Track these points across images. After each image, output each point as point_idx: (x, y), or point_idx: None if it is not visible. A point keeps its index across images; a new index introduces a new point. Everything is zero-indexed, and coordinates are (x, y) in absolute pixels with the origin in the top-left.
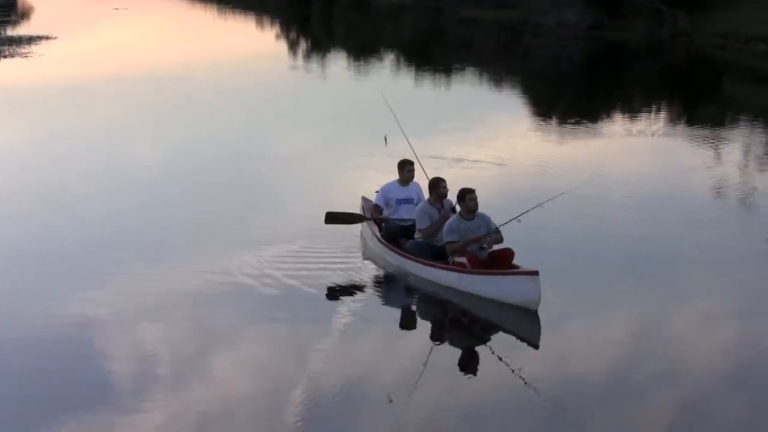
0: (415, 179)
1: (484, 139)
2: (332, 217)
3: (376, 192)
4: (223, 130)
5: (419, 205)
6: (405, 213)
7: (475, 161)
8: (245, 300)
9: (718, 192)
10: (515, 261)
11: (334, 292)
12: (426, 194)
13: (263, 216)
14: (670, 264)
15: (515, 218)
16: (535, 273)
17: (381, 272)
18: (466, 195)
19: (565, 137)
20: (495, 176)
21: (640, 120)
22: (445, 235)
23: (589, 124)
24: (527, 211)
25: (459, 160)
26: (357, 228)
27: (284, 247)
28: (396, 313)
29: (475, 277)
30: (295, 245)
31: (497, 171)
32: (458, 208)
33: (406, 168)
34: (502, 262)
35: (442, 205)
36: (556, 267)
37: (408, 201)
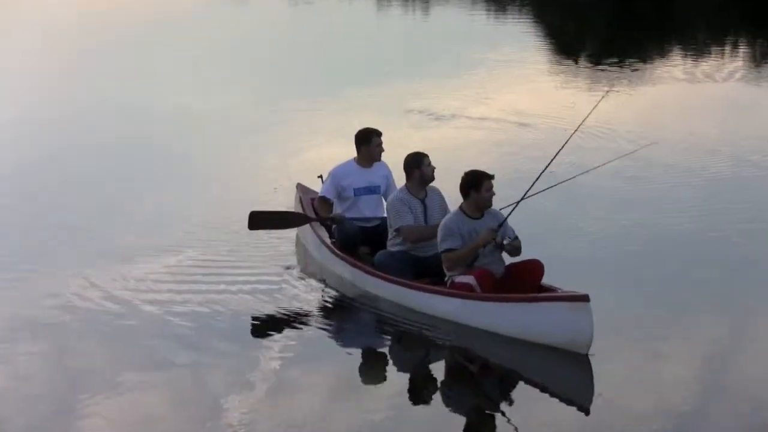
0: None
1: (488, 88)
2: (259, 219)
3: (321, 178)
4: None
5: (393, 196)
6: (369, 208)
7: (476, 120)
8: (126, 333)
9: None
10: (547, 278)
11: (260, 326)
12: (400, 179)
13: (156, 211)
14: (751, 273)
15: (520, 200)
16: (585, 298)
17: (332, 296)
18: (483, 183)
19: (599, 83)
20: (506, 142)
21: (706, 59)
22: (442, 240)
23: (633, 66)
24: (546, 189)
25: (453, 118)
26: (292, 233)
27: (187, 257)
28: (355, 359)
29: (489, 305)
30: (202, 254)
31: (509, 135)
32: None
33: (372, 140)
34: (525, 279)
35: (426, 195)
36: (591, 276)
37: (372, 190)
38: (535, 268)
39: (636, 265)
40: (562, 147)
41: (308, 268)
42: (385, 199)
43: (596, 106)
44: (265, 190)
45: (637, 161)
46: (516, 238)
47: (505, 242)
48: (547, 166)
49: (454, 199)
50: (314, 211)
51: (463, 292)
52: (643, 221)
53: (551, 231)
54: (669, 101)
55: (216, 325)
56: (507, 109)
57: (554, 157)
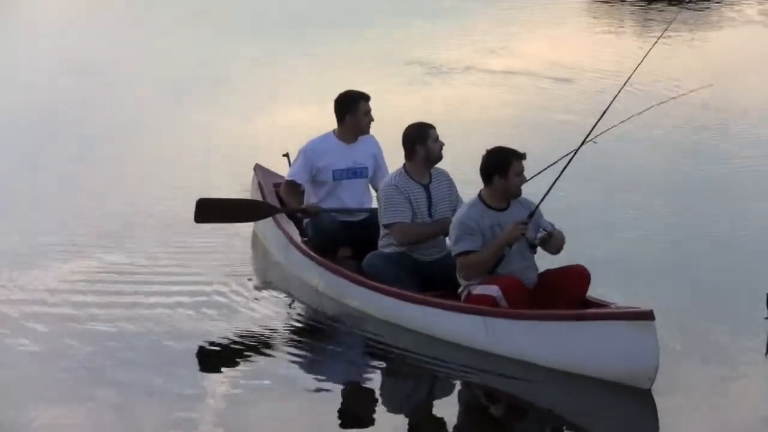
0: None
1: (513, 33)
2: (208, 210)
3: (287, 157)
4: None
5: (386, 181)
6: (352, 197)
7: (498, 75)
8: (34, 360)
9: None
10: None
11: (205, 353)
12: (394, 159)
13: (70, 202)
14: None
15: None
16: (648, 315)
17: (302, 313)
18: (512, 165)
19: (650, 27)
20: (537, 105)
21: None
22: (456, 241)
23: (695, 4)
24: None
25: (467, 72)
26: (248, 228)
27: (109, 262)
28: (333, 399)
29: (520, 324)
30: (128, 257)
31: (540, 95)
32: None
33: (359, 107)
34: (566, 290)
35: (431, 180)
36: (632, 281)
37: (357, 173)
38: (578, 275)
39: (690, 266)
40: (605, 110)
41: (269, 276)
42: (374, 186)
43: (647, 54)
44: (212, 171)
45: (695, 124)
46: (552, 227)
47: (538, 235)
48: (588, 137)
49: (466, 185)
50: (279, 200)
51: (484, 307)
52: (697, 208)
53: (578, 224)
54: (740, 48)
55: (146, 351)
56: (537, 61)
57: (598, 121)
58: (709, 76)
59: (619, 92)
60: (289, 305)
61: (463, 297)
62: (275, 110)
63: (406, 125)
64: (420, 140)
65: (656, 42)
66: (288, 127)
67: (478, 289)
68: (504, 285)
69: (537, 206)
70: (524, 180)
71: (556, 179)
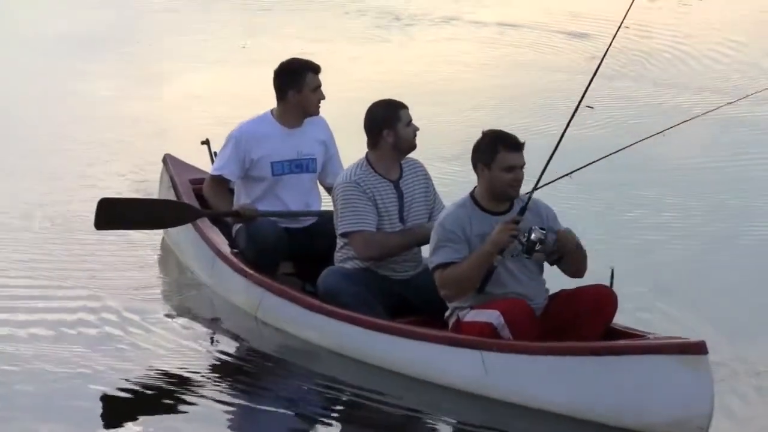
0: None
1: None
2: (114, 213)
3: (207, 144)
4: None
5: (344, 177)
6: (297, 196)
7: (491, 28)
8: None
9: None
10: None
11: (102, 401)
12: (349, 148)
13: None
14: None
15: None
16: (700, 348)
17: (234, 348)
18: (499, 153)
19: None
20: (548, 66)
21: None
22: (433, 249)
23: None
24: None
25: (449, 24)
26: (156, 235)
27: None
28: None
29: (531, 361)
30: (4, 271)
31: (548, 54)
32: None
33: (306, 79)
34: (586, 316)
35: (402, 174)
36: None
37: (303, 166)
38: (601, 298)
39: (733, 285)
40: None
41: (186, 299)
42: (323, 182)
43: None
44: (103, 162)
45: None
46: (570, 232)
47: (533, 236)
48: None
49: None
50: (199, 200)
51: (482, 338)
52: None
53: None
54: None
55: (22, 397)
56: (543, 8)
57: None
58: None
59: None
60: (213, 338)
61: (451, 324)
62: (190, 79)
63: (370, 104)
64: (388, 124)
65: None
66: (207, 102)
67: (472, 315)
68: (506, 309)
69: (531, 194)
70: (521, 175)
71: (555, 148)
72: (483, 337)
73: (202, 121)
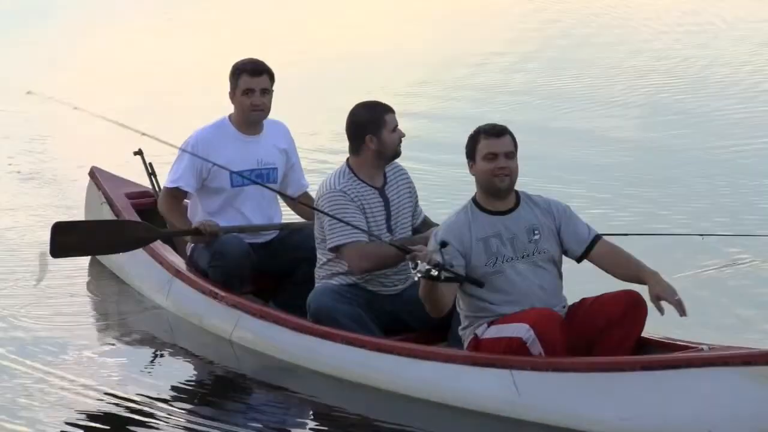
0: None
1: None
2: (69, 238)
3: (141, 155)
4: None
5: (326, 185)
6: (256, 209)
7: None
8: None
9: None
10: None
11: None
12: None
13: None
14: None
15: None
16: (755, 358)
17: (207, 378)
18: (487, 142)
19: None
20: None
21: None
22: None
23: None
24: None
25: None
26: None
27: None
28: None
29: (570, 377)
30: None
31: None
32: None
33: (252, 85)
34: (615, 326)
35: (386, 181)
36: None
37: (264, 176)
38: (631, 305)
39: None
40: None
41: (140, 322)
42: (284, 193)
43: None
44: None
45: None
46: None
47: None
48: None
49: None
50: (139, 216)
51: (509, 357)
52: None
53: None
54: None
55: None
56: None
57: None
58: None
59: None
60: (177, 362)
61: (468, 343)
62: (115, 73)
63: (353, 105)
64: (373, 128)
65: None
66: (136, 104)
67: (495, 330)
68: (536, 321)
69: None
70: (511, 167)
71: None
72: (512, 354)
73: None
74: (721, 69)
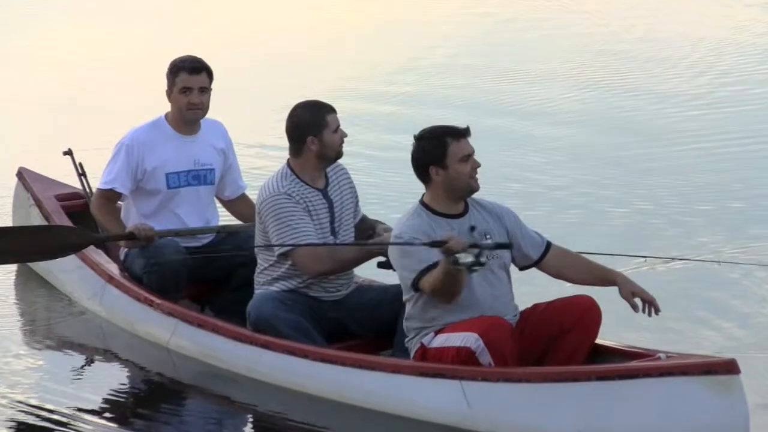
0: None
1: None
2: (4, 245)
3: (71, 154)
4: None
5: (269, 187)
6: (192, 212)
7: None
8: None
9: None
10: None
11: None
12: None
13: None
14: None
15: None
16: (732, 367)
17: (144, 388)
18: (450, 147)
19: None
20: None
21: None
22: (405, 267)
23: None
24: None
25: None
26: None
27: None
28: None
29: (523, 387)
30: None
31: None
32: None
33: (190, 83)
34: (568, 333)
35: (328, 182)
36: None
37: (200, 177)
38: (585, 311)
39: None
40: None
41: (68, 327)
42: (221, 195)
43: None
44: None
45: None
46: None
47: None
48: None
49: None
50: (69, 218)
51: (459, 367)
52: None
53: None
54: None
55: None
56: None
57: None
58: None
59: None
60: (110, 369)
61: (414, 353)
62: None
63: (294, 105)
64: (314, 130)
65: None
66: (67, 102)
67: (441, 340)
68: (485, 330)
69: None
70: (477, 166)
71: None
72: (461, 365)
73: (60, 124)
74: None
